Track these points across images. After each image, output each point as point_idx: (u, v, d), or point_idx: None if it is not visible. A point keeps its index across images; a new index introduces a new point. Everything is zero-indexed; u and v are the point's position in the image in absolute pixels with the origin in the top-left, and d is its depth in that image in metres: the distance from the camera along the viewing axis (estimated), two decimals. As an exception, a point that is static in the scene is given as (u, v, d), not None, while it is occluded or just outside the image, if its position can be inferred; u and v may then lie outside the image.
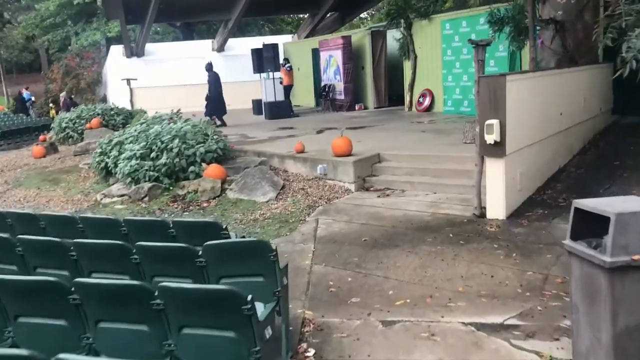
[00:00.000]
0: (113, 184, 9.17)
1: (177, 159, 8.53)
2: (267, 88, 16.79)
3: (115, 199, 8.65)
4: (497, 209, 6.46)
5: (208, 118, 14.71)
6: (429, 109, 15.09)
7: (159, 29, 34.38)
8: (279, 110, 16.32)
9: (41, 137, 15.60)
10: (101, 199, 8.78)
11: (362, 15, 35.19)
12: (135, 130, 9.61)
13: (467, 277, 4.93)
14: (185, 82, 21.91)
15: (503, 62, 12.79)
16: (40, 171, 11.65)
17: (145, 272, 3.74)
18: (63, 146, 15.45)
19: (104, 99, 24.57)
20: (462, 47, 13.86)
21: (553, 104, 7.71)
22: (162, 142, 8.77)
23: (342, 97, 17.40)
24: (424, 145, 9.27)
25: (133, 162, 8.58)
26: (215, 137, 9.28)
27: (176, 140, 8.72)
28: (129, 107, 19.78)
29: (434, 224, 6.42)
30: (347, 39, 17.27)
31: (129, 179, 8.63)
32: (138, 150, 8.73)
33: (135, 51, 23.54)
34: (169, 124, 9.61)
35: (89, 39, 25.69)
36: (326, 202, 7.60)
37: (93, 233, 4.93)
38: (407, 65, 15.79)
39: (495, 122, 6.15)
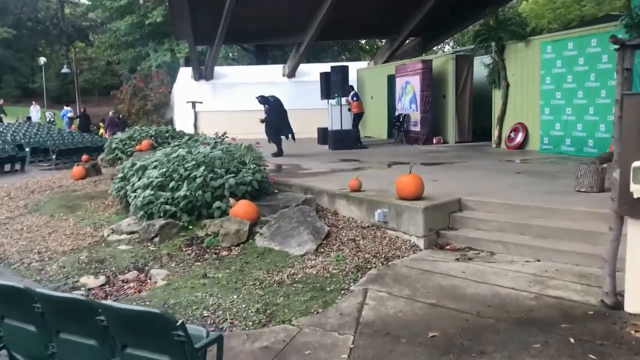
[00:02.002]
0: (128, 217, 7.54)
1: (199, 192, 6.77)
2: (333, 115, 15.05)
3: (123, 236, 6.99)
4: (643, 298, 4.18)
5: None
6: (522, 146, 12.73)
7: (235, 54, 33.86)
8: (344, 140, 14.46)
9: (84, 158, 14.50)
10: (108, 235, 7.15)
11: (446, 49, 33.05)
12: (163, 154, 7.99)
13: None
14: (252, 107, 20.66)
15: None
16: (66, 195, 10.32)
17: None
18: (111, 168, 14.26)
19: (170, 122, 23.79)
20: (566, 74, 11.52)
21: None
22: (186, 170, 7.06)
23: (418, 128, 15.31)
24: (521, 192, 7.03)
25: (147, 192, 6.90)
26: (252, 166, 7.47)
27: (201, 168, 6.97)
28: (192, 131, 18.66)
29: (542, 314, 4.20)
30: (427, 64, 15.26)
31: (141, 212, 6.96)
32: (156, 178, 7.07)
33: (204, 74, 22.67)
34: (199, 147, 7.93)
35: (159, 59, 25.12)
36: (382, 263, 5.53)
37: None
38: (497, 95, 13.55)
39: (648, 164, 3.93)
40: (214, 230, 6.41)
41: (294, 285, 5.02)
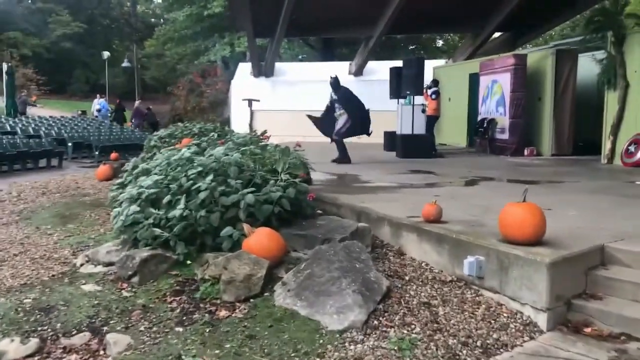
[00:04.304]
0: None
1: (202, 212, 4.65)
2: (403, 117, 12.68)
3: (99, 268, 4.98)
4: None
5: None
6: (644, 163, 9.94)
7: (304, 55, 32.08)
8: (416, 147, 12.08)
9: (112, 155, 12.86)
10: (81, 265, 5.17)
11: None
12: (168, 155, 5.96)
13: None
14: (314, 107, 18.63)
15: None
16: (72, 200, 8.52)
17: None
18: (147, 168, 12.56)
19: (227, 121, 22.18)
20: None
21: None
22: (189, 179, 4.96)
23: (506, 136, 12.71)
24: (695, 236, 4.47)
25: (133, 208, 4.85)
26: (285, 177, 5.29)
27: (208, 178, 4.86)
28: (247, 131, 16.88)
29: None
30: (520, 59, 12.65)
31: (124, 235, 4.93)
32: (147, 188, 5.01)
33: (263, 70, 20.89)
34: (215, 148, 5.84)
35: (218, 54, 23.53)
36: (479, 359, 3.19)
37: None
38: (612, 98, 10.78)
39: None
40: (214, 274, 4.25)
41: (318, 404, 2.77)
